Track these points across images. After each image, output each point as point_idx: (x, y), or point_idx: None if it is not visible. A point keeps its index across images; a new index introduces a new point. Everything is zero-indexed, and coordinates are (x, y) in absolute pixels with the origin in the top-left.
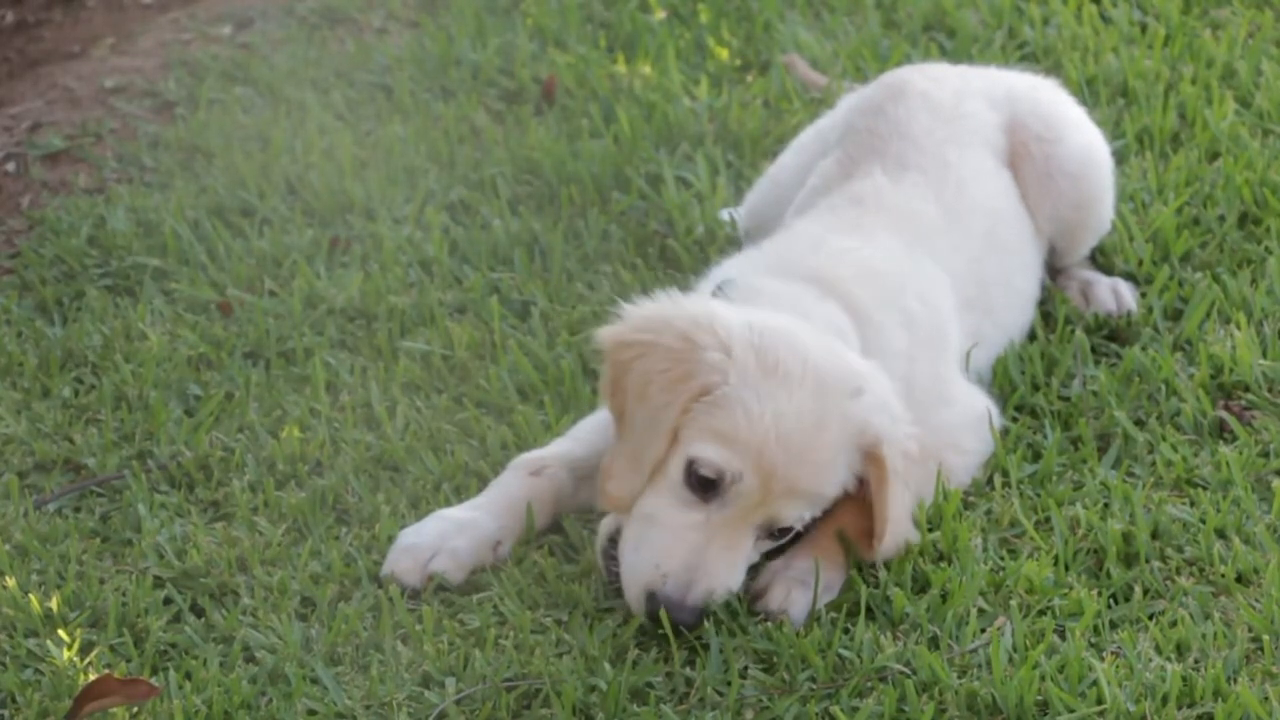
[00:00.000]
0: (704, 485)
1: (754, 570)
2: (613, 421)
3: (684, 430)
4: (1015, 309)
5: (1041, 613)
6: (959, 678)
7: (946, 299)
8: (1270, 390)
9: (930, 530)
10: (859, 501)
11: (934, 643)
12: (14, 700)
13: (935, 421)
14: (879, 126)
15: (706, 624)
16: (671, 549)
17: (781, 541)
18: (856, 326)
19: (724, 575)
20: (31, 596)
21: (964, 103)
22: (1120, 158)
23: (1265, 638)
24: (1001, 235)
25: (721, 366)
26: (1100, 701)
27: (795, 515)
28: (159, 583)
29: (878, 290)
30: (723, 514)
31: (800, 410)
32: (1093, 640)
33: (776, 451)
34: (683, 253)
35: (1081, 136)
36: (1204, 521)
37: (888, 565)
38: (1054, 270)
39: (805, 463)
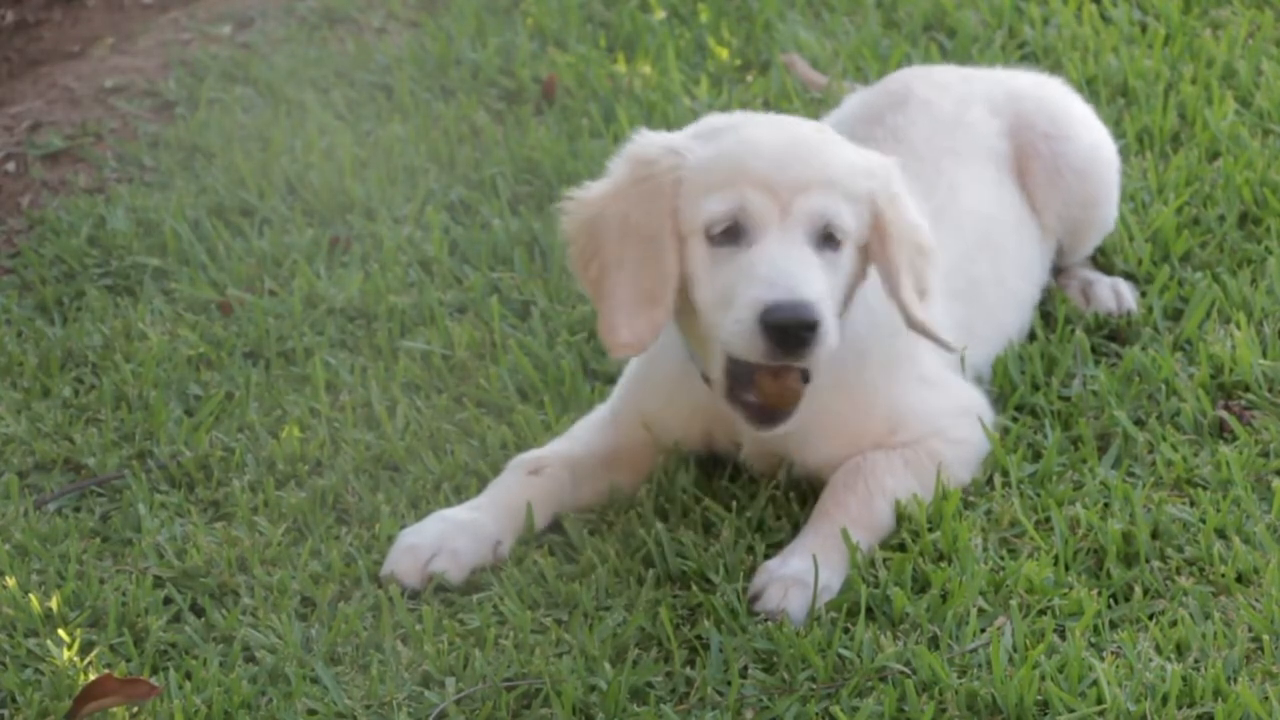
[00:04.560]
0: (732, 239)
1: (753, 570)
2: (592, 292)
3: (682, 227)
4: (1011, 309)
5: (1041, 613)
6: (959, 678)
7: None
8: (1270, 390)
9: (930, 530)
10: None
11: (934, 643)
12: (14, 700)
13: (919, 405)
14: (877, 134)
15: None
16: (751, 281)
17: (838, 254)
18: None
19: (807, 278)
20: (31, 596)
21: (966, 112)
22: (1120, 158)
23: (1265, 638)
24: (997, 238)
25: (676, 161)
26: (1100, 701)
27: (823, 206)
28: (159, 583)
29: None
30: (763, 240)
31: (770, 128)
32: (1093, 640)
33: (759, 163)
34: None
35: (1089, 134)
36: (1204, 521)
37: (888, 565)
38: (1056, 269)
39: (796, 158)
